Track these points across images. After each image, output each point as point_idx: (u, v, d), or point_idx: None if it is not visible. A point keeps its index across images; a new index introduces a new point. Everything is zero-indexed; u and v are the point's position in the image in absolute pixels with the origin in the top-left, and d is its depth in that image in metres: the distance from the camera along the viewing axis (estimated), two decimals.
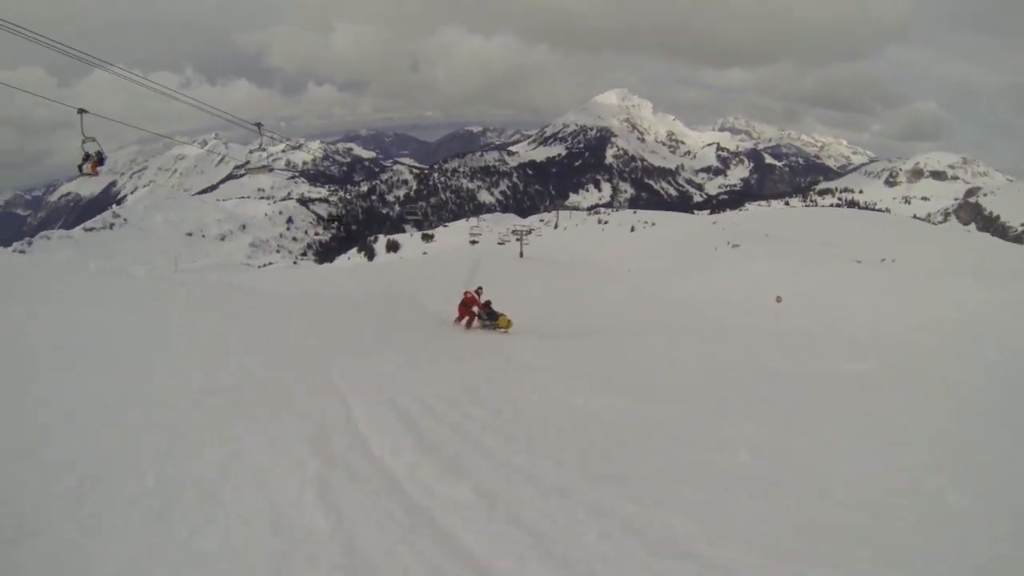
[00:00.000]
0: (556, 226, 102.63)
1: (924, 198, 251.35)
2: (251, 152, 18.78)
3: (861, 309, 21.62)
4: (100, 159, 13.00)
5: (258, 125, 16.84)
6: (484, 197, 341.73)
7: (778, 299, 26.00)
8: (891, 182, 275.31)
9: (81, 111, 12.29)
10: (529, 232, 64.02)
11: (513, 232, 66.68)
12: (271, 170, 18.60)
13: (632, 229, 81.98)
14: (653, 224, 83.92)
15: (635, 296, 32.33)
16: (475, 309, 17.37)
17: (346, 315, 17.69)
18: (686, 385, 10.17)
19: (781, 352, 14.07)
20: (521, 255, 53.66)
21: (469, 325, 17.28)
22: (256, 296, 17.63)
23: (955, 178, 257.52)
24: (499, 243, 69.61)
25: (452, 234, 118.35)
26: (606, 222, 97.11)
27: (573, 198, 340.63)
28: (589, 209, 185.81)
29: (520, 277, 36.37)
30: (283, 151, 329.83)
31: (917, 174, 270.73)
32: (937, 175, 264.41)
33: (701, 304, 27.96)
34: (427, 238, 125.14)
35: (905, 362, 12.84)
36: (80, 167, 12.92)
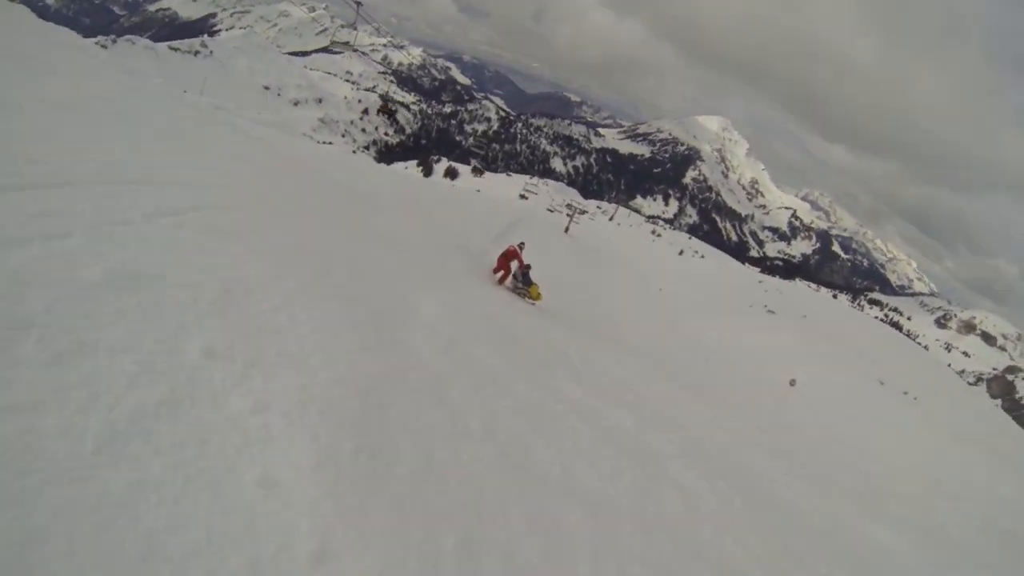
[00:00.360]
0: (611, 218, 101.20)
1: (965, 353, 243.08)
2: (342, 27, 18.45)
3: (875, 439, 20.49)
4: None
5: (358, 3, 16.30)
6: (556, 164, 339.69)
7: (792, 383, 25.02)
8: (941, 324, 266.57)
9: None
10: (583, 212, 62.91)
11: (567, 206, 65.61)
12: (355, 50, 17.98)
13: (680, 252, 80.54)
14: (702, 256, 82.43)
15: (659, 314, 31.42)
16: (513, 265, 15.93)
17: (342, 207, 13.86)
18: (589, 488, 5.42)
19: (784, 459, 11.94)
20: (567, 231, 52.63)
21: (503, 281, 15.85)
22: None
23: (1003, 349, 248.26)
24: (548, 209, 68.73)
25: (508, 184, 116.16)
26: (659, 235, 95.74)
27: (639, 200, 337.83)
28: (649, 217, 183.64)
29: (560, 252, 35.42)
30: (384, 45, 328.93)
31: (969, 328, 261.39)
32: (987, 338, 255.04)
33: (715, 351, 27.16)
34: (477, 172, 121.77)
35: (946, 554, 10.11)
36: None
